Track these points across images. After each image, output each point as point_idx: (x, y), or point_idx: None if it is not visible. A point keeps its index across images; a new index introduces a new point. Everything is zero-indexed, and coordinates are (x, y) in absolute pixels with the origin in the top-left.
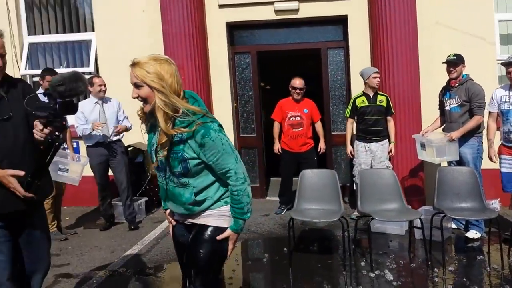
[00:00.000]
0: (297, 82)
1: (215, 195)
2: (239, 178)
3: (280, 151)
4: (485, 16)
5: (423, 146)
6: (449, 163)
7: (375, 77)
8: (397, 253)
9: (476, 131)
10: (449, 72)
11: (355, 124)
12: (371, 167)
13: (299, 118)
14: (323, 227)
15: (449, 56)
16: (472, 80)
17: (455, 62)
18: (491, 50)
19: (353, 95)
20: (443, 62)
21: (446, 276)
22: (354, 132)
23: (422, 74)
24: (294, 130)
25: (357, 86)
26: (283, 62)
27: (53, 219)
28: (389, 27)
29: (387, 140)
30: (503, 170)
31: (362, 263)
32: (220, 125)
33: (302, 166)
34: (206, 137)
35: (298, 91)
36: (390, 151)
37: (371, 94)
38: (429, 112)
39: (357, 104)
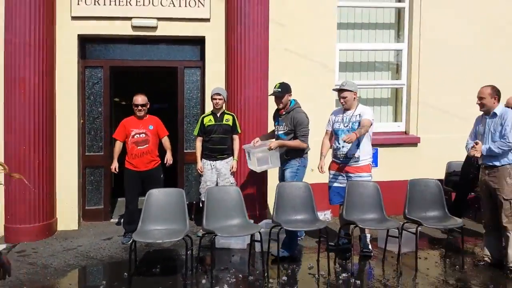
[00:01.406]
0: (139, 99)
1: None
2: None
3: (117, 171)
4: (328, 45)
5: (249, 155)
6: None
7: (214, 99)
8: (238, 268)
9: (299, 154)
10: (276, 103)
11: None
12: (217, 185)
13: (144, 135)
14: (169, 247)
15: (274, 87)
16: (300, 107)
17: (279, 96)
18: (330, 76)
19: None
20: (270, 95)
21: (279, 286)
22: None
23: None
24: (139, 147)
25: (211, 106)
26: (143, 79)
27: None
28: (243, 51)
29: (232, 157)
30: (330, 184)
31: (203, 281)
32: None
33: (148, 185)
34: None
35: (140, 107)
36: (232, 168)
37: (218, 113)
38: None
39: (204, 123)
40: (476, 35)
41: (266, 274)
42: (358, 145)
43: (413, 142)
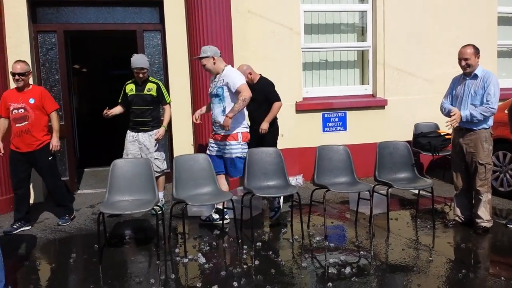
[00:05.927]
0: (18, 66)
1: None
2: None
3: (2, 152)
4: (292, 7)
5: None
6: None
7: (137, 73)
8: (211, 236)
9: None
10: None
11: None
12: None
13: (22, 111)
14: (140, 218)
15: None
16: None
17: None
18: (296, 39)
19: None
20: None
21: (254, 252)
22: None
23: (237, 61)
24: (17, 125)
25: (175, 71)
26: (105, 44)
27: None
28: (204, 12)
29: (157, 130)
30: (207, 153)
31: (177, 250)
32: None
33: (37, 169)
34: None
35: (16, 77)
36: (157, 135)
37: (140, 80)
38: None
39: (127, 91)
40: None
41: (240, 240)
42: (223, 113)
43: (381, 105)
